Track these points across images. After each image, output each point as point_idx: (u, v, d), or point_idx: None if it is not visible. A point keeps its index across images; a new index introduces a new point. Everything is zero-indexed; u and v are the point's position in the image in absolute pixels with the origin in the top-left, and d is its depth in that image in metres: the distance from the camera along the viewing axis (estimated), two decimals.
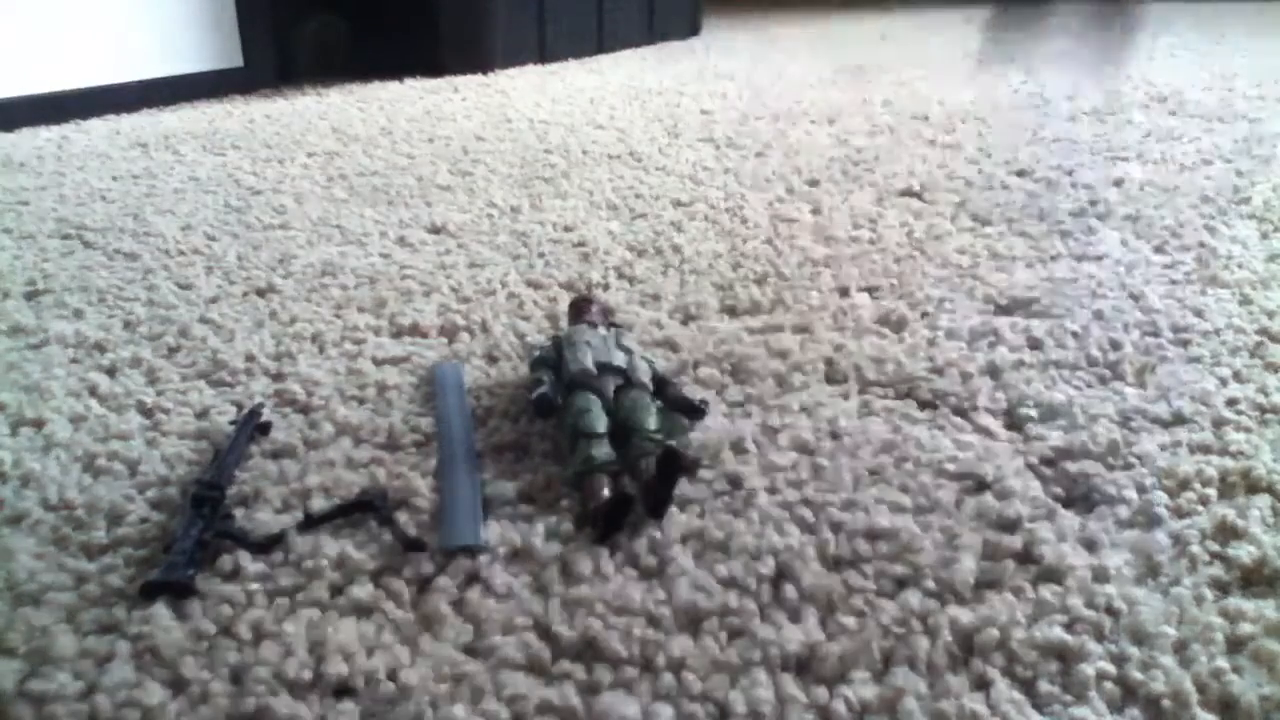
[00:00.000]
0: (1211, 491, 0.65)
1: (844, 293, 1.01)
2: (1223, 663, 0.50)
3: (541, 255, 1.14)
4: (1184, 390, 0.79)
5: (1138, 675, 0.50)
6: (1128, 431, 0.73)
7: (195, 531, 0.60)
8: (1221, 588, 0.56)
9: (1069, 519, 0.63)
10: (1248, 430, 0.73)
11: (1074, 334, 0.90)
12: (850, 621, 0.54)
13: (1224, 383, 0.80)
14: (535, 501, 0.66)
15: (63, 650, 0.53)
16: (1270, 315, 0.92)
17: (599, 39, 2.91)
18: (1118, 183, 1.38)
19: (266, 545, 0.61)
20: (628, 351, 0.77)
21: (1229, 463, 0.68)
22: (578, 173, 1.51)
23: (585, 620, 0.54)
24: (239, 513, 0.65)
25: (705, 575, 0.57)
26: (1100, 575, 0.57)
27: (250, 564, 0.59)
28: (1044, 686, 0.50)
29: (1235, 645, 0.52)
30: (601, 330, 0.81)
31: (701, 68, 2.58)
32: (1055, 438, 0.72)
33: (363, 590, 0.57)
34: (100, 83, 2.00)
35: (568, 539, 0.61)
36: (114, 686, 0.50)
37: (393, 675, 0.51)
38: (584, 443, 0.67)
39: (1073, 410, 0.76)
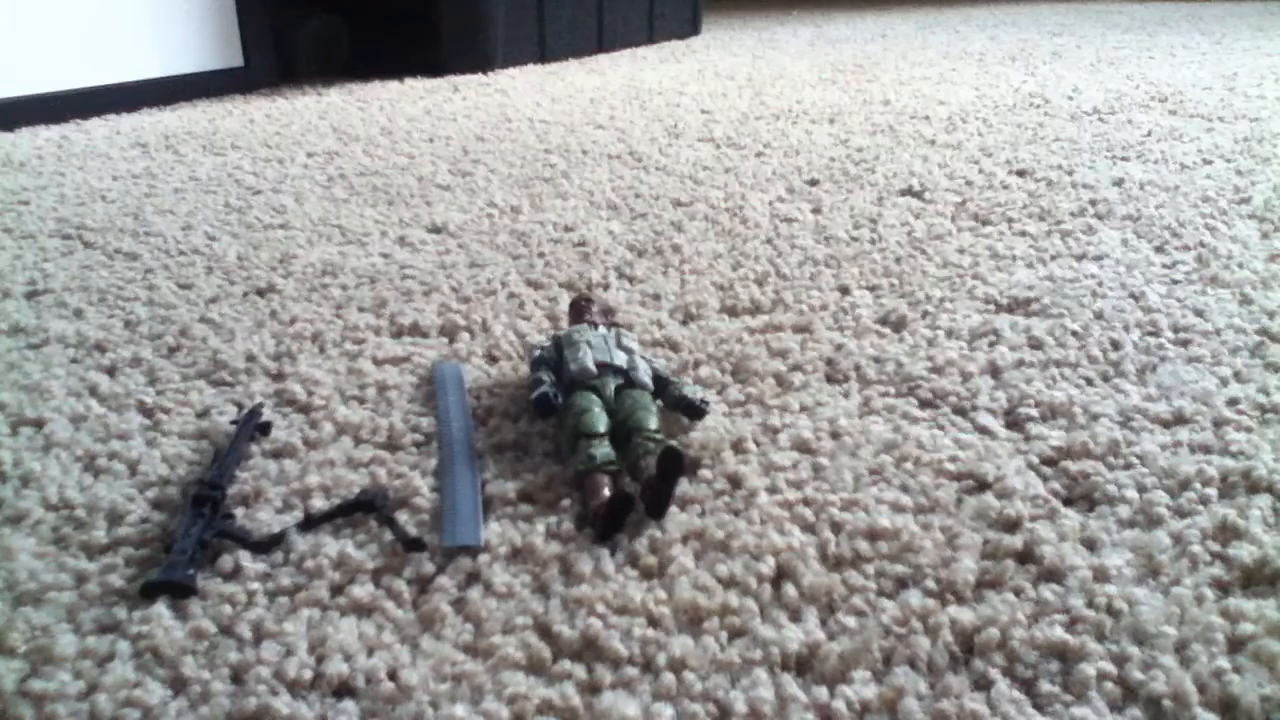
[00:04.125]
0: (1212, 491, 0.65)
1: (844, 292, 1.01)
2: (1223, 662, 0.50)
3: (542, 255, 1.14)
4: (1184, 390, 0.79)
5: (1138, 675, 0.50)
6: (1128, 431, 0.73)
7: (195, 531, 0.60)
8: (1222, 587, 0.56)
9: (1070, 518, 0.63)
10: (1248, 430, 0.73)
11: (1074, 333, 0.90)
12: (851, 621, 0.54)
13: (1224, 382, 0.80)
14: (535, 501, 0.66)
15: (63, 650, 0.53)
16: (1270, 315, 0.92)
17: (599, 39, 2.91)
18: (1118, 182, 1.38)
19: (267, 545, 0.61)
20: (628, 351, 0.77)
21: (1229, 462, 0.68)
22: (578, 173, 1.51)
23: (586, 620, 0.54)
24: (239, 512, 0.65)
25: (705, 575, 0.57)
26: (1101, 575, 0.57)
27: (251, 564, 0.59)
28: (1044, 686, 0.49)
29: (1236, 645, 0.52)
30: (602, 330, 0.81)
31: (701, 68, 2.58)
32: (1056, 437, 0.72)
33: (363, 590, 0.57)
34: (100, 83, 2.00)
35: (568, 539, 0.61)
36: (114, 686, 0.50)
37: (393, 675, 0.51)
38: (584, 442, 0.67)
39: (1073, 409, 0.76)
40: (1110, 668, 0.50)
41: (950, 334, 0.90)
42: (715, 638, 0.53)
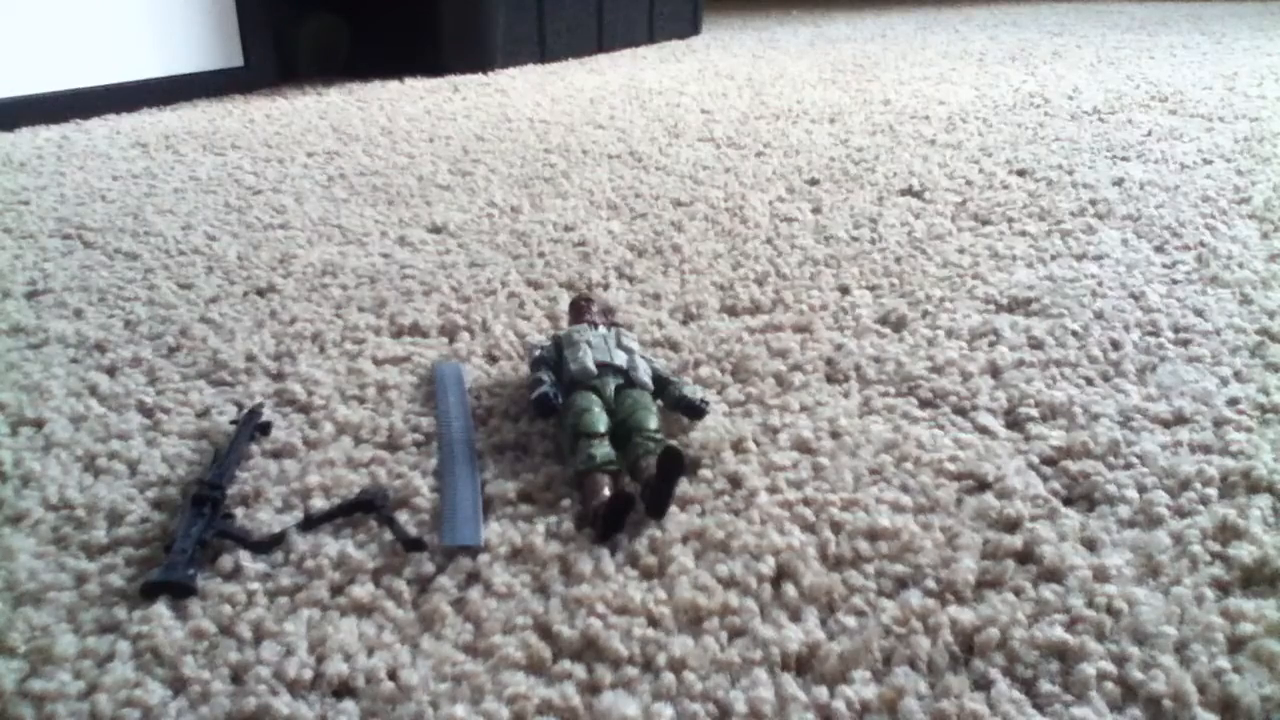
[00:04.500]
0: (1212, 491, 0.65)
1: (844, 292, 1.01)
2: (1223, 662, 0.50)
3: (542, 255, 1.14)
4: (1184, 390, 0.79)
5: (1138, 675, 0.50)
6: (1128, 431, 0.73)
7: (195, 531, 0.60)
8: (1222, 587, 0.56)
9: (1070, 518, 0.63)
10: (1248, 430, 0.73)
11: (1074, 333, 0.90)
12: (851, 621, 0.54)
13: (1224, 382, 0.80)
14: (535, 501, 0.66)
15: (63, 650, 0.53)
16: (1270, 315, 0.92)
17: (599, 39, 2.91)
18: (1118, 182, 1.38)
19: (267, 545, 0.61)
20: (628, 351, 0.77)
21: (1230, 462, 0.68)
22: (578, 172, 1.51)
23: (586, 620, 0.54)
24: (239, 512, 0.65)
25: (706, 575, 0.57)
26: (1101, 575, 0.57)
27: (251, 563, 0.59)
28: (1045, 686, 0.49)
29: (1236, 645, 0.52)
30: (602, 329, 0.81)
31: (701, 67, 2.58)
32: (1056, 437, 0.72)
33: (363, 590, 0.57)
34: (100, 83, 2.00)
35: (568, 539, 0.61)
36: (114, 686, 0.50)
37: (393, 675, 0.51)
38: (584, 442, 0.67)
39: (1073, 409, 0.76)
40: (1110, 668, 0.50)
41: (950, 334, 0.90)
42: (715, 638, 0.53)
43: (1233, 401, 0.77)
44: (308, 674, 0.51)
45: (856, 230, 1.20)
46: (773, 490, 0.66)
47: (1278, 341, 0.87)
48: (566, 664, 0.51)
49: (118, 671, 0.51)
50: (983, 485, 0.67)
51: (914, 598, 0.55)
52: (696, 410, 0.74)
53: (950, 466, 0.69)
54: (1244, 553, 0.58)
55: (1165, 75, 2.26)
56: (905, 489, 0.66)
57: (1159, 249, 1.12)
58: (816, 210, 1.29)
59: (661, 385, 0.75)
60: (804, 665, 0.51)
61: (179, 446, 0.73)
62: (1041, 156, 1.54)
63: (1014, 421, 0.75)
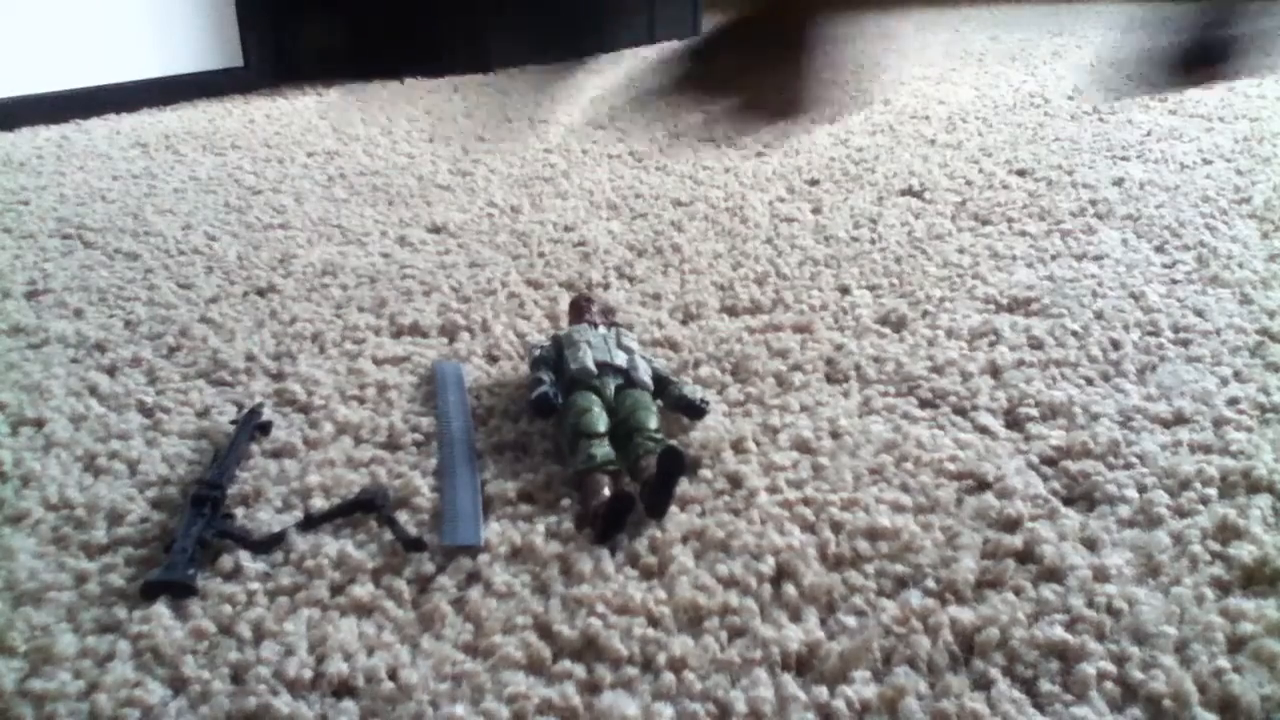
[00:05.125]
0: (1212, 491, 0.65)
1: (844, 292, 1.01)
2: (1223, 662, 0.50)
3: (542, 255, 1.14)
4: (1184, 390, 0.79)
5: (1138, 675, 0.50)
6: (1128, 431, 0.73)
7: (195, 531, 0.60)
8: (1222, 587, 0.56)
9: (1070, 518, 0.63)
10: (1248, 430, 0.73)
11: (1074, 333, 0.90)
12: (851, 621, 0.54)
13: (1224, 382, 0.80)
14: (535, 501, 0.66)
15: (63, 649, 0.53)
16: (1270, 315, 0.92)
17: (599, 39, 2.90)
18: (1118, 182, 1.38)
19: (267, 544, 0.61)
20: (628, 351, 0.77)
21: (1230, 462, 0.68)
22: (578, 172, 1.51)
23: (586, 619, 0.54)
24: (239, 512, 0.65)
25: (706, 575, 0.57)
26: (1101, 574, 0.57)
27: (251, 563, 0.59)
28: (1045, 686, 0.50)
29: (1236, 645, 0.52)
30: (602, 329, 0.81)
31: None
32: (1056, 437, 0.72)
33: (363, 590, 0.57)
34: (100, 83, 2.00)
35: (568, 538, 0.61)
36: (114, 686, 0.50)
37: (393, 674, 0.51)
38: (584, 442, 0.67)
39: (1073, 409, 0.76)
40: (1110, 667, 0.50)
41: (950, 334, 0.90)
42: (715, 637, 0.53)
43: (1233, 401, 0.77)
44: (308, 674, 0.51)
45: (856, 230, 1.20)
46: (773, 490, 0.66)
47: (1278, 341, 0.87)
48: (566, 664, 0.51)
49: (118, 671, 0.51)
50: (983, 485, 0.67)
51: (914, 598, 0.55)
52: (696, 410, 0.74)
53: (950, 466, 0.69)
54: (1244, 553, 0.58)
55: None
56: (905, 489, 0.66)
57: (1159, 249, 1.12)
58: (816, 210, 1.29)
59: (661, 385, 0.75)
60: (804, 665, 0.52)
61: (179, 446, 0.73)
62: (1041, 156, 1.54)
63: (1014, 421, 0.75)
